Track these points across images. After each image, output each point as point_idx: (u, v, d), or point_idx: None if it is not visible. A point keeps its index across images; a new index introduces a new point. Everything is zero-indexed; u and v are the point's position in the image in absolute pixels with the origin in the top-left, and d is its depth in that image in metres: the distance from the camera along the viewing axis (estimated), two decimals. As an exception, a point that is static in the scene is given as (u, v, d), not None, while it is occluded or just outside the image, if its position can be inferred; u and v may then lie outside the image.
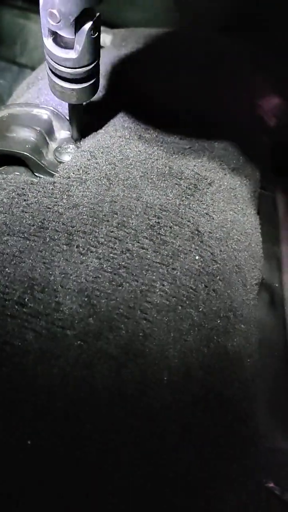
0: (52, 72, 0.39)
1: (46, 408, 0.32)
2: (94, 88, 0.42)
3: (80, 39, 0.35)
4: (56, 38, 0.37)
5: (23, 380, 0.33)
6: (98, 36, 0.37)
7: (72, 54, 0.37)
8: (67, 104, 0.52)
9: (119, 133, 0.49)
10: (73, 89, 0.40)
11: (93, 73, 0.40)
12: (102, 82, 0.58)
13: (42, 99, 0.56)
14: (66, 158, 0.48)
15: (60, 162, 0.48)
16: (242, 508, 0.36)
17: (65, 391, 0.33)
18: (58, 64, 0.38)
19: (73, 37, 0.35)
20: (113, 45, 0.70)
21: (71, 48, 0.37)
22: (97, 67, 0.40)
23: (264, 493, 0.39)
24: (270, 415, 0.42)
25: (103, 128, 0.50)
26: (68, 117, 0.51)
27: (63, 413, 0.32)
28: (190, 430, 0.35)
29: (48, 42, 0.37)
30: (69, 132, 0.51)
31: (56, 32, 0.36)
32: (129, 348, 0.35)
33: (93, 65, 0.39)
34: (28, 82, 0.66)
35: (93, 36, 0.36)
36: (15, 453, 0.30)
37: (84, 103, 0.44)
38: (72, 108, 0.45)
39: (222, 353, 0.39)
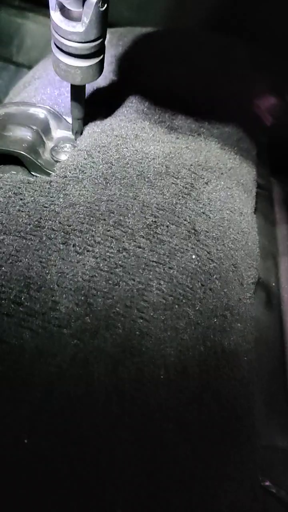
0: (58, 48, 0.39)
1: (42, 406, 0.32)
2: (100, 68, 0.41)
3: (88, 11, 0.35)
4: (64, 11, 0.36)
5: (20, 378, 0.33)
6: (106, 10, 0.36)
7: (79, 28, 0.36)
8: (63, 103, 0.53)
9: (115, 132, 0.49)
10: (78, 67, 0.39)
11: (100, 50, 0.39)
12: (98, 81, 0.59)
13: (38, 98, 0.56)
14: (62, 157, 0.48)
15: (57, 161, 0.48)
16: (238, 506, 0.36)
17: (61, 390, 0.33)
18: (64, 39, 0.37)
19: (81, 9, 0.35)
20: (110, 44, 0.70)
21: (79, 21, 0.36)
22: (103, 44, 0.39)
23: (260, 491, 0.39)
24: (267, 413, 0.42)
25: (100, 127, 0.50)
26: (64, 116, 0.51)
27: (60, 412, 0.32)
28: (187, 428, 0.36)
29: (55, 15, 0.36)
30: (66, 131, 0.51)
31: (63, 5, 0.35)
32: (125, 347, 0.35)
33: (100, 40, 0.38)
34: (25, 81, 0.66)
35: (101, 9, 0.35)
36: (12, 451, 0.30)
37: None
38: (75, 92, 0.44)
39: (219, 351, 0.39)
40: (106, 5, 0.36)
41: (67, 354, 0.34)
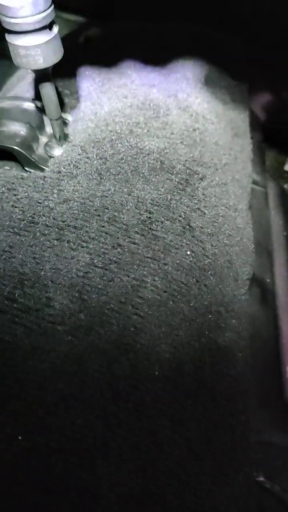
0: (11, 32, 0.38)
1: (36, 402, 0.32)
2: (58, 45, 0.40)
3: None
4: None
5: (14, 375, 0.33)
6: None
7: (25, 1, 0.35)
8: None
9: (110, 128, 0.48)
10: (37, 46, 0.38)
11: (52, 22, 0.38)
12: (93, 75, 0.58)
13: (32, 93, 0.55)
14: (56, 152, 0.48)
15: (51, 157, 0.48)
16: (233, 502, 0.36)
17: (55, 386, 0.33)
18: (15, 18, 0.36)
19: None
20: (104, 39, 0.69)
21: None
22: (52, 14, 0.38)
23: (254, 487, 0.39)
24: (261, 409, 0.42)
25: (94, 122, 0.49)
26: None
27: (54, 408, 0.32)
28: (182, 424, 0.36)
29: None
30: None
31: None
32: (120, 343, 0.35)
33: (50, 9, 0.37)
34: (18, 76, 0.65)
35: None
36: (7, 448, 0.30)
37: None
38: (41, 82, 0.42)
39: (214, 347, 0.39)
40: None
41: (61, 351, 0.34)
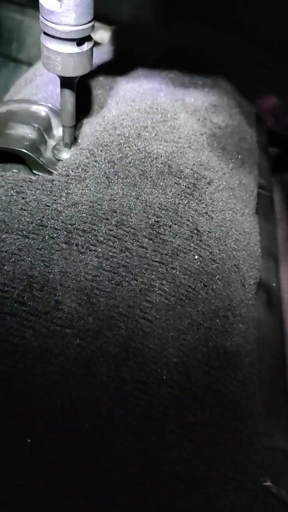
0: (43, 32, 0.38)
1: (45, 406, 0.32)
2: (82, 61, 0.40)
3: None
4: None
5: (22, 378, 0.33)
6: None
7: (57, 7, 0.36)
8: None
9: (118, 131, 0.49)
10: (58, 53, 0.38)
11: (81, 39, 0.38)
12: (101, 78, 0.58)
13: (40, 96, 0.55)
14: (64, 156, 0.48)
15: (58, 160, 0.48)
16: (239, 506, 0.36)
17: (64, 390, 0.33)
18: (44, 18, 0.37)
19: None
20: (112, 41, 0.70)
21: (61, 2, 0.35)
22: (85, 34, 0.38)
23: (261, 492, 0.39)
24: (268, 414, 0.42)
25: (102, 126, 0.50)
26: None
27: (62, 412, 0.32)
28: (189, 428, 0.36)
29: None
30: None
31: None
32: (128, 347, 0.35)
33: (79, 27, 0.37)
34: (26, 78, 0.66)
35: None
36: (15, 451, 0.30)
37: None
38: (63, 89, 0.43)
39: (221, 352, 0.39)
40: None
41: (70, 354, 0.34)
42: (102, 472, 0.32)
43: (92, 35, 0.40)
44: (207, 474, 0.36)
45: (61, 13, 0.36)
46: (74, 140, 0.49)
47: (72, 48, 0.38)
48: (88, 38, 0.39)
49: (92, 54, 0.41)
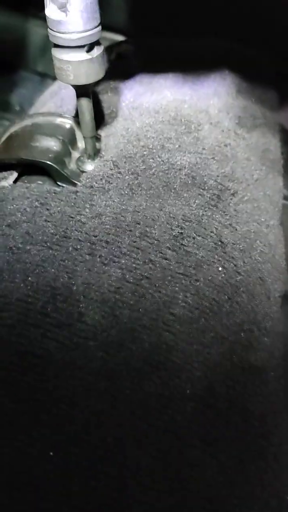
0: (53, 44, 0.39)
1: (68, 419, 0.32)
2: (93, 67, 0.40)
3: None
4: (53, 0, 0.36)
5: (45, 391, 0.33)
6: (95, 1, 0.36)
7: (63, 16, 0.36)
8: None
9: (142, 143, 0.49)
10: (68, 62, 0.39)
11: (89, 45, 0.38)
12: (125, 91, 0.59)
13: (64, 109, 0.56)
14: (88, 167, 0.48)
15: (83, 172, 0.48)
16: (265, 527, 0.35)
17: (87, 403, 0.33)
18: (52, 30, 0.37)
19: None
20: (135, 54, 0.70)
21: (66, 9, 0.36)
22: (93, 39, 0.38)
23: (286, 511, 0.38)
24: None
25: (126, 137, 0.50)
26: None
27: (85, 425, 0.32)
28: (213, 445, 0.35)
29: (48, 7, 0.36)
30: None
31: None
32: (151, 360, 0.35)
33: (86, 33, 0.37)
34: (51, 91, 0.67)
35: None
36: (38, 464, 0.30)
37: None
38: (79, 99, 0.43)
39: (246, 366, 0.38)
40: None
41: (93, 367, 0.34)
42: (125, 488, 0.31)
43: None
44: (232, 492, 0.35)
45: (68, 21, 0.36)
46: (97, 152, 0.49)
47: (82, 55, 0.39)
48: (97, 43, 0.39)
49: (103, 60, 0.41)
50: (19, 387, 0.33)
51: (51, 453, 0.30)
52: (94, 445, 0.32)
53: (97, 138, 0.52)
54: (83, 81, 0.40)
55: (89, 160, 0.49)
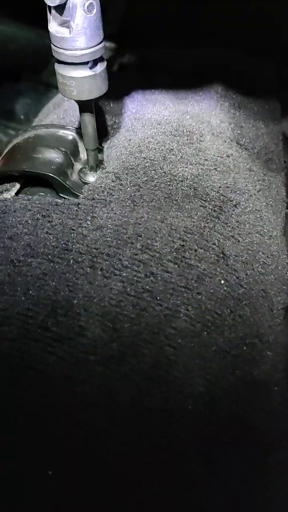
0: (55, 58, 0.39)
1: (68, 436, 0.32)
2: (96, 83, 0.40)
3: (73, 16, 0.35)
4: (56, 17, 0.36)
5: (45, 406, 0.32)
6: (98, 18, 0.36)
7: (66, 33, 0.36)
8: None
9: (143, 154, 0.49)
10: (72, 78, 0.39)
11: (93, 62, 0.38)
12: (127, 102, 0.59)
13: (67, 120, 0.56)
14: (90, 178, 0.48)
15: (85, 183, 0.48)
16: None
17: (87, 419, 0.32)
18: (55, 46, 0.37)
19: (69, 15, 0.35)
20: (138, 65, 0.70)
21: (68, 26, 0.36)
22: (97, 54, 0.38)
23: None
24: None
25: (128, 149, 0.50)
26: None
27: (85, 441, 0.32)
28: (215, 461, 0.34)
29: (51, 23, 0.37)
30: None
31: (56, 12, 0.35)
32: (153, 375, 0.35)
33: (90, 50, 0.37)
34: (54, 102, 0.67)
35: (89, 15, 0.35)
36: (36, 483, 0.30)
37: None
38: (82, 113, 0.43)
39: (249, 381, 0.38)
40: (95, 11, 0.35)
41: (93, 382, 0.33)
42: (125, 506, 0.31)
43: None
44: (234, 509, 0.34)
45: (71, 38, 0.36)
46: (99, 163, 0.49)
47: (86, 72, 0.39)
48: (100, 59, 0.40)
49: (106, 75, 0.41)
50: (19, 402, 0.33)
51: (50, 472, 0.30)
52: (94, 462, 0.31)
53: (99, 150, 0.52)
54: (86, 96, 0.41)
55: (91, 172, 0.49)
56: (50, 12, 0.36)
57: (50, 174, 0.46)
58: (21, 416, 0.32)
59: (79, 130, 0.51)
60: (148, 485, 0.32)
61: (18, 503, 0.29)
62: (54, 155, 0.48)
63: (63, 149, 0.49)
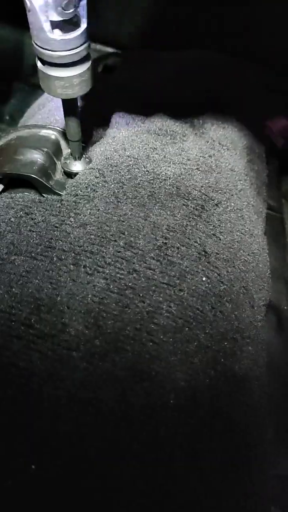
0: (37, 57, 0.39)
1: (50, 431, 0.32)
2: (80, 81, 0.40)
3: (84, 12, 0.35)
4: (62, 25, 0.36)
5: (28, 402, 0.33)
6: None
7: (50, 33, 0.36)
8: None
9: (128, 152, 0.49)
10: (56, 78, 0.39)
11: (75, 62, 0.38)
12: (112, 101, 0.59)
13: (52, 119, 0.56)
14: (75, 168, 0.48)
15: (69, 173, 0.48)
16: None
17: (70, 414, 0.33)
18: (37, 45, 0.37)
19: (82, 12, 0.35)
20: (123, 66, 0.71)
21: (78, 26, 0.36)
22: (81, 55, 0.38)
23: (272, 522, 0.38)
24: (278, 441, 0.41)
25: (112, 146, 0.50)
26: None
27: (68, 437, 0.32)
28: (197, 455, 0.35)
29: (55, 35, 0.36)
30: None
31: (61, 20, 0.35)
32: (135, 370, 0.35)
33: (75, 50, 0.37)
34: (39, 103, 0.67)
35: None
36: (20, 478, 0.30)
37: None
38: (66, 108, 0.43)
39: (230, 375, 0.38)
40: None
41: (76, 378, 0.34)
42: (107, 501, 0.31)
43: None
44: (217, 503, 0.35)
45: (55, 39, 0.36)
46: (82, 153, 0.49)
47: (70, 71, 0.39)
48: (85, 58, 0.39)
49: (91, 73, 0.41)
50: (2, 399, 0.33)
51: (33, 466, 0.30)
52: (77, 457, 0.32)
53: (83, 147, 0.52)
54: (70, 95, 0.41)
55: (75, 162, 0.48)
56: (55, 25, 0.36)
57: (32, 175, 0.46)
58: (4, 412, 0.32)
59: (61, 130, 0.51)
60: (130, 480, 0.32)
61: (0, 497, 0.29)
62: (36, 156, 0.48)
63: (45, 149, 0.49)
